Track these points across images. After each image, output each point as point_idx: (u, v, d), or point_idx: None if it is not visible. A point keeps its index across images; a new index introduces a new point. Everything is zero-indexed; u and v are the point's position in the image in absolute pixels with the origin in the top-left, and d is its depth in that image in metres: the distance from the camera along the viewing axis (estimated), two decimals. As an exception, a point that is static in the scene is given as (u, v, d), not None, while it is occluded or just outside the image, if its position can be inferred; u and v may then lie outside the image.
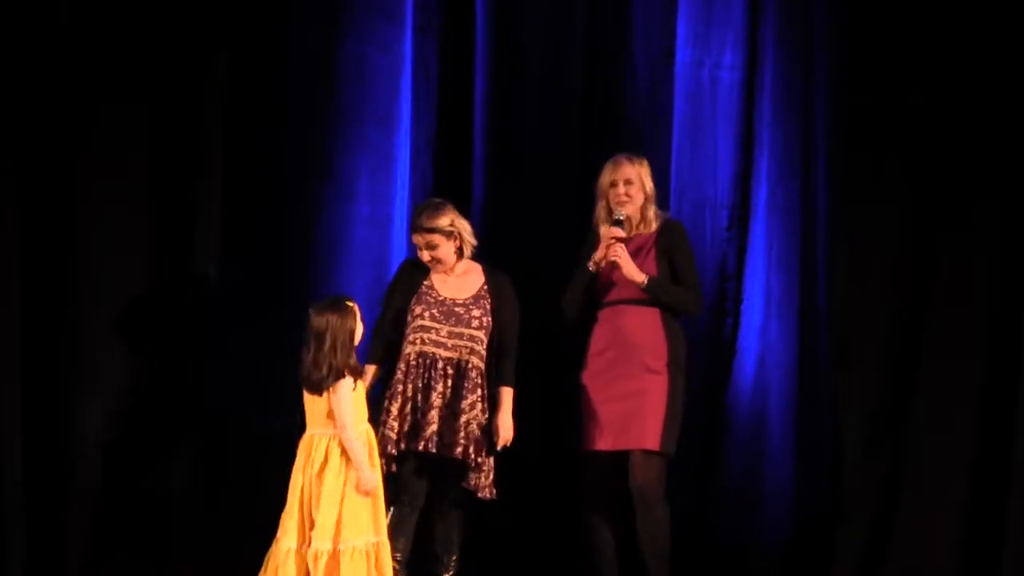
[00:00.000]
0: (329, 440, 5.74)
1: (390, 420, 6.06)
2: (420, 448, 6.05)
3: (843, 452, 6.75)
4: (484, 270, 6.29)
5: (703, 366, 6.87)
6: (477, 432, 6.11)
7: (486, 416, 6.14)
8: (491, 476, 6.13)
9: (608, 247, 6.21)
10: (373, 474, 5.72)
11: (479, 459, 6.10)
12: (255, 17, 6.80)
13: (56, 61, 6.52)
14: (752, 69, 7.11)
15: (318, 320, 5.74)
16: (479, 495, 6.12)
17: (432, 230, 6.14)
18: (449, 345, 6.13)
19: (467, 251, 6.23)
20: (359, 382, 5.78)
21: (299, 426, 5.87)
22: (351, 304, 5.80)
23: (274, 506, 6.07)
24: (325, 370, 5.71)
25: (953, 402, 6.66)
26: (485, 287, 6.25)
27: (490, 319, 6.18)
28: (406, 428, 6.06)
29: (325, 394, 5.73)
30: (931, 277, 6.74)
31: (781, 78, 7.06)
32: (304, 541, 5.70)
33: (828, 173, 6.93)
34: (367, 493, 5.69)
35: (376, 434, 5.95)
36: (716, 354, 7.06)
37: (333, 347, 5.71)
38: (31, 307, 6.50)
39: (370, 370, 6.12)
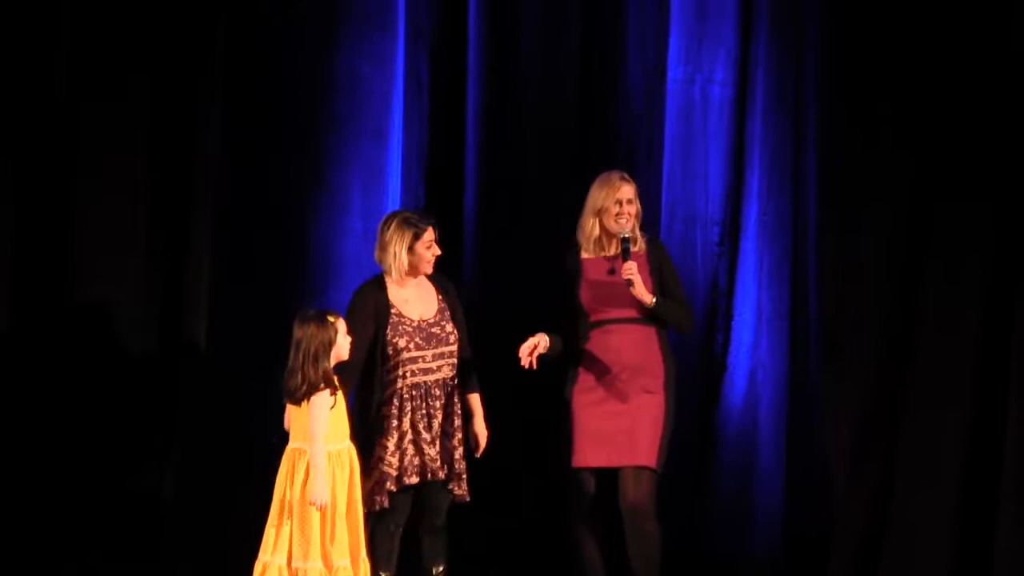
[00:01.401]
0: (305, 456, 5.71)
1: (387, 457, 6.01)
2: (428, 478, 6.04)
3: (834, 469, 6.73)
4: (429, 278, 6.22)
5: (694, 382, 6.87)
6: (460, 444, 6.13)
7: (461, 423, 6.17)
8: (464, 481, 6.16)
9: (623, 268, 6.17)
10: (325, 491, 5.65)
11: (465, 469, 6.13)
12: (250, 29, 6.81)
13: (53, 61, 6.52)
14: (743, 86, 7.13)
15: (297, 330, 5.73)
16: (462, 500, 6.12)
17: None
18: (435, 368, 6.11)
19: None
20: (337, 397, 5.74)
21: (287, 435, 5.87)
22: (334, 319, 5.78)
23: (265, 513, 6.05)
24: (299, 380, 5.69)
25: (944, 411, 6.64)
26: (439, 296, 6.22)
27: (455, 327, 6.18)
28: (404, 463, 6.03)
29: (303, 405, 5.71)
30: (923, 287, 6.73)
31: (772, 94, 7.07)
32: (285, 556, 5.66)
33: (819, 187, 6.92)
34: (314, 506, 5.62)
35: (372, 469, 5.96)
36: (707, 370, 7.06)
37: (306, 357, 5.68)
38: (25, 305, 6.50)
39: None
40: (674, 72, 7.13)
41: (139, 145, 6.63)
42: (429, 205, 6.75)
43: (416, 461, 6.02)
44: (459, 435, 6.11)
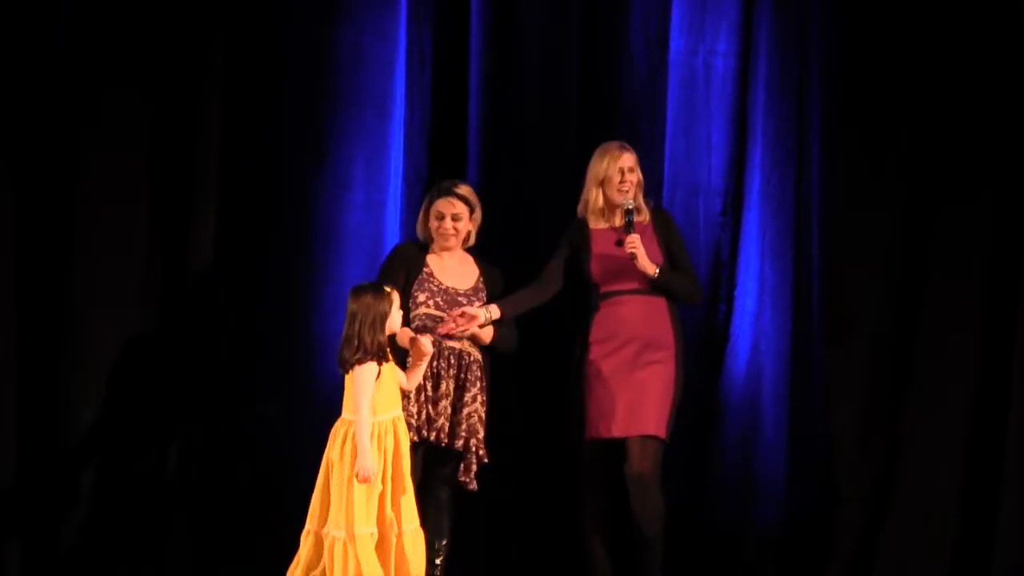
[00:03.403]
0: (348, 426, 5.71)
1: (410, 407, 6.04)
2: (432, 439, 6.06)
3: (837, 439, 6.75)
4: (477, 261, 6.32)
5: (696, 352, 6.86)
6: (478, 426, 6.13)
7: (485, 409, 6.16)
8: (476, 468, 6.16)
9: (626, 241, 6.20)
10: (372, 462, 5.63)
11: (478, 452, 6.12)
12: (253, 4, 6.80)
13: (53, 55, 6.53)
14: (746, 57, 7.10)
15: (352, 303, 5.74)
16: (469, 488, 6.15)
17: (465, 199, 6.20)
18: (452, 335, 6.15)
19: (471, 239, 6.28)
20: (387, 368, 5.74)
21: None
22: (389, 289, 5.79)
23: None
24: (354, 347, 5.68)
25: (948, 386, 6.67)
26: (481, 279, 6.27)
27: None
28: (423, 417, 6.08)
29: (351, 375, 5.70)
30: (926, 258, 6.74)
31: (775, 66, 7.05)
32: (324, 525, 5.69)
33: (822, 159, 6.92)
34: (363, 480, 5.62)
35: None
36: (709, 340, 7.06)
37: (363, 325, 5.69)
38: (28, 305, 6.52)
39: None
40: (676, 43, 7.11)
41: (143, 129, 6.64)
42: (432, 179, 6.74)
43: (428, 418, 6.06)
44: (473, 411, 6.10)
